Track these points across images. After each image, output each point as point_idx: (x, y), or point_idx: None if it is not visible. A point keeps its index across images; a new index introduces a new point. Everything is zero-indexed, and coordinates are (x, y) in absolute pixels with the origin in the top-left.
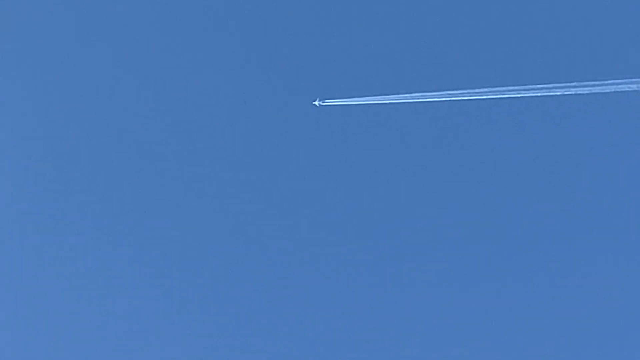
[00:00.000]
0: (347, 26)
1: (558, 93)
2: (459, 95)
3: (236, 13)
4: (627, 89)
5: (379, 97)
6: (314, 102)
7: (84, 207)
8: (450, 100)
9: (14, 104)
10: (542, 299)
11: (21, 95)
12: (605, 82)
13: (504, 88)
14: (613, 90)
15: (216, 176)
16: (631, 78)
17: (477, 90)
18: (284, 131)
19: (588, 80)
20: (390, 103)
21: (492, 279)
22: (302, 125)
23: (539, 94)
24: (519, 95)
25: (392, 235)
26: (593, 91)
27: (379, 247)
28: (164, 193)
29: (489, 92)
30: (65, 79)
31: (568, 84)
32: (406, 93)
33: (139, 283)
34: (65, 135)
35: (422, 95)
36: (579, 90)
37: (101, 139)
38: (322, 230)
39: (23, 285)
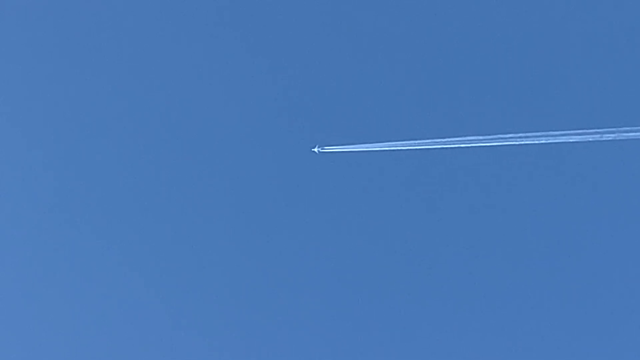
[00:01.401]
0: (345, 74)
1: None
2: (460, 142)
3: (235, 62)
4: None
5: (378, 143)
6: (313, 149)
7: (84, 207)
8: (450, 147)
9: (14, 104)
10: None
11: (22, 95)
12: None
13: (504, 135)
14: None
15: (215, 222)
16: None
17: (477, 138)
18: (283, 178)
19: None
20: (389, 150)
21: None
22: (301, 172)
23: (540, 141)
24: (518, 143)
25: (390, 280)
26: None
27: (377, 295)
28: (161, 245)
29: (489, 139)
30: (64, 81)
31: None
32: (405, 140)
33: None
34: (64, 136)
35: (421, 142)
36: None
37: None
38: (320, 277)
39: (23, 285)
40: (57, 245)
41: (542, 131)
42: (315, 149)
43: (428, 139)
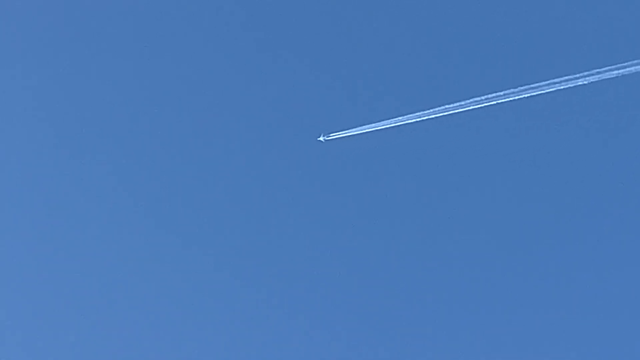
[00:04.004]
0: (330, 59)
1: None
2: (459, 107)
3: (235, 59)
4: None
5: (382, 122)
6: (318, 138)
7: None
8: (456, 112)
9: (17, 104)
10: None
11: (23, 94)
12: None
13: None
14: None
15: (222, 216)
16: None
17: (475, 99)
18: (294, 172)
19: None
20: (394, 126)
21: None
22: (310, 163)
23: (540, 92)
24: (514, 98)
25: (405, 273)
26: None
27: (385, 285)
28: (168, 241)
29: (487, 99)
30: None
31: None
32: (406, 114)
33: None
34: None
35: (424, 114)
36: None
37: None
38: (328, 271)
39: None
40: (57, 244)
41: (488, 94)
42: (321, 138)
43: (430, 108)
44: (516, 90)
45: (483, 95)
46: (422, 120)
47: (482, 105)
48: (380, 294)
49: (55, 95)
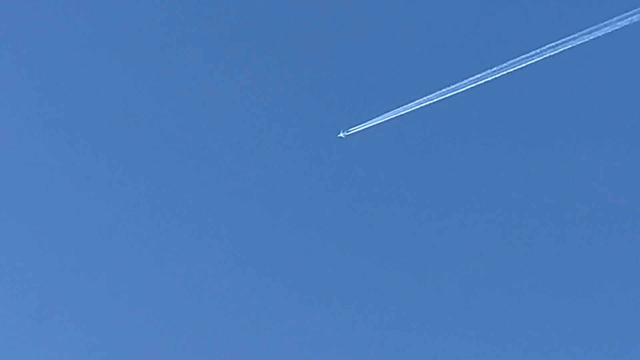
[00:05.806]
0: (337, 56)
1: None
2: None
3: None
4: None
5: (399, 108)
6: (339, 135)
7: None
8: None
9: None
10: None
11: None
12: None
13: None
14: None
15: (243, 216)
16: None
17: (487, 72)
18: (318, 171)
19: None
20: (412, 111)
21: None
22: (336, 160)
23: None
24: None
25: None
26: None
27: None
28: (186, 240)
29: (500, 69)
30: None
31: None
32: (420, 97)
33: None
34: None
35: (440, 93)
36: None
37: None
38: (350, 270)
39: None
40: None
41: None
42: (342, 134)
43: (442, 88)
44: (528, 55)
45: (495, 66)
46: (434, 102)
47: (496, 75)
48: (413, 290)
49: (55, 95)
